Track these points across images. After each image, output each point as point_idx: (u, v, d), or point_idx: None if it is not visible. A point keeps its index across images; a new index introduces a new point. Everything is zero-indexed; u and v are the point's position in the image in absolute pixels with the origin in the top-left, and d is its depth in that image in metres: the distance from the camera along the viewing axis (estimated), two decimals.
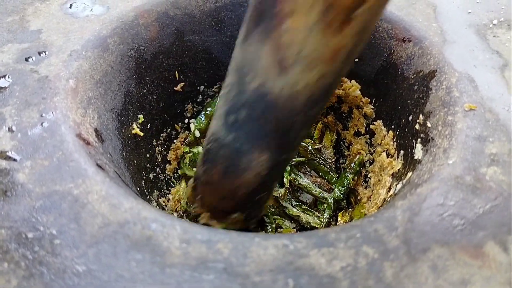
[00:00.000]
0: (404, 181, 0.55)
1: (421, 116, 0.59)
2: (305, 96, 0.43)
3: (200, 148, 0.71)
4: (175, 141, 0.76)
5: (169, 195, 0.71)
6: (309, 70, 0.41)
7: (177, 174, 0.75)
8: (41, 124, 0.50)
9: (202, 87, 0.77)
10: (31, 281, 0.38)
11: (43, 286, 0.38)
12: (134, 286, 0.38)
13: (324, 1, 0.36)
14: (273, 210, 0.74)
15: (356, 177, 0.73)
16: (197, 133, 0.74)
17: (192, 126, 0.75)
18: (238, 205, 0.58)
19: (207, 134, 0.55)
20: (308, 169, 0.80)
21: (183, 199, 0.69)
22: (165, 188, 0.72)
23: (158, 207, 0.66)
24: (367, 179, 0.72)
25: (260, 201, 0.60)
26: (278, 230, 0.72)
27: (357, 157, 0.74)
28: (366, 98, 0.72)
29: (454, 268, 0.40)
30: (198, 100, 0.78)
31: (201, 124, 0.75)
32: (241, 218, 0.60)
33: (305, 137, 0.79)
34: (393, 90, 0.66)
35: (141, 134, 0.66)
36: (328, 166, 0.79)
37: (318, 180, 0.78)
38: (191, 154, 0.73)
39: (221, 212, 0.59)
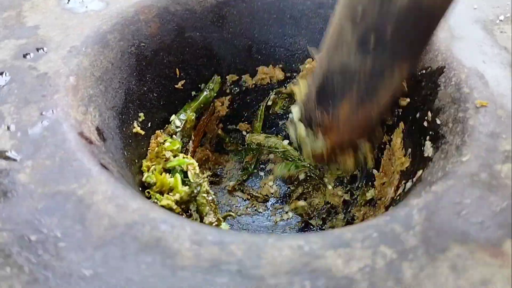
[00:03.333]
0: (415, 179, 0.54)
1: (429, 113, 0.57)
2: None
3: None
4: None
5: None
6: None
7: None
8: (42, 123, 0.49)
9: (203, 85, 0.75)
10: (35, 286, 0.36)
11: None
12: None
13: None
14: None
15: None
16: (178, 123, 0.71)
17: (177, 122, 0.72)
18: (369, 133, 0.59)
19: (322, 78, 0.54)
20: None
21: None
22: None
23: None
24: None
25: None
26: None
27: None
28: None
29: (474, 268, 0.38)
30: None
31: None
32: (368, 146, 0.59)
33: None
34: None
35: (142, 132, 0.64)
36: None
37: None
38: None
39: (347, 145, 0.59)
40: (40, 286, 0.36)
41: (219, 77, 0.76)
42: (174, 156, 0.64)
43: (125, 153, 0.59)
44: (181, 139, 0.69)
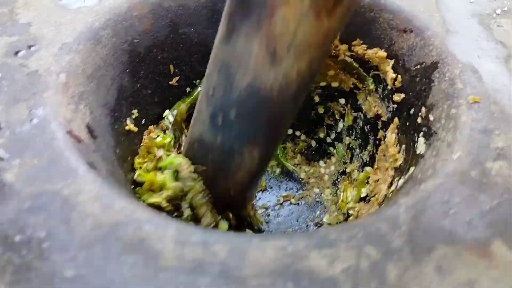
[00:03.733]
0: (407, 176, 0.54)
1: (423, 109, 0.57)
2: (296, 84, 0.43)
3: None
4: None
5: None
6: (301, 57, 0.40)
7: None
8: (30, 121, 0.49)
9: (197, 81, 0.75)
10: (18, 287, 0.36)
11: None
12: None
13: None
14: None
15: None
16: (171, 118, 0.71)
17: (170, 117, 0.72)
18: (229, 206, 0.58)
19: (188, 141, 0.54)
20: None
21: None
22: None
23: None
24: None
25: (248, 198, 0.59)
26: None
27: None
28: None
29: (460, 269, 0.38)
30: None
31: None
32: (232, 216, 0.59)
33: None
34: None
35: (135, 130, 0.64)
36: None
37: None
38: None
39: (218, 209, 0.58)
40: (22, 287, 0.36)
41: None
42: (168, 151, 0.64)
43: (117, 151, 0.59)
44: (173, 133, 0.69)
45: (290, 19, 0.37)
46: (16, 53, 0.57)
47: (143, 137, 0.66)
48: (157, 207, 0.53)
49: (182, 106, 0.71)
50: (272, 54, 0.40)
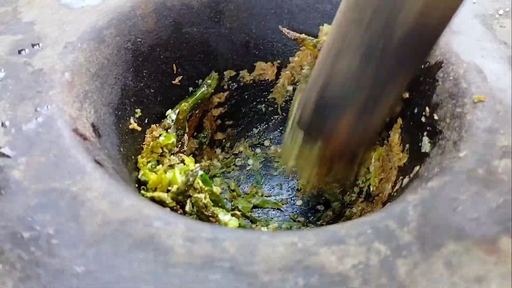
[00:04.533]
0: (411, 175, 0.54)
1: (427, 108, 0.57)
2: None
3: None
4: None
5: None
6: None
7: None
8: (36, 119, 0.49)
9: (200, 81, 0.75)
10: (27, 283, 0.36)
11: None
12: (137, 286, 0.36)
13: None
14: None
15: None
16: (173, 117, 0.71)
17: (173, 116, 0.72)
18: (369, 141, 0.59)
19: (324, 78, 0.53)
20: None
21: None
22: None
23: None
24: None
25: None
26: None
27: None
28: None
29: (469, 265, 0.38)
30: None
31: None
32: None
33: None
34: None
35: (139, 129, 0.64)
36: None
37: None
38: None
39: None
40: (32, 283, 0.36)
41: (216, 73, 0.75)
42: (170, 152, 0.64)
43: (121, 150, 0.59)
44: (176, 132, 0.69)
45: None
46: (20, 51, 0.56)
47: (146, 135, 0.66)
48: (159, 202, 0.53)
49: (184, 105, 0.70)
50: None
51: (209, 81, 0.74)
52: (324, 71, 0.54)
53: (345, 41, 0.49)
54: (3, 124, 0.48)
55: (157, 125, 0.68)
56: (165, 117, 0.70)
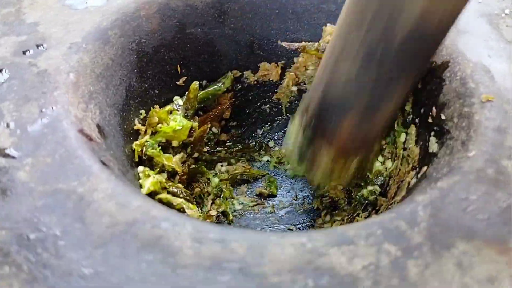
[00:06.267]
0: (419, 175, 0.53)
1: (434, 108, 0.57)
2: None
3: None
4: None
5: None
6: None
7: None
8: (41, 120, 0.48)
9: (204, 82, 0.75)
10: (34, 285, 0.36)
11: None
12: None
13: None
14: None
15: None
16: (180, 102, 0.70)
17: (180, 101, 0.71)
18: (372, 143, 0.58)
19: (326, 82, 0.53)
20: None
21: None
22: None
23: None
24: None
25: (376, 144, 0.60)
26: None
27: None
28: None
29: (481, 265, 0.38)
30: None
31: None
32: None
33: None
34: None
35: (143, 129, 0.64)
36: None
37: None
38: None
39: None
40: (39, 285, 0.36)
41: (231, 73, 0.75)
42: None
43: (126, 151, 0.58)
44: (185, 113, 0.68)
45: None
46: (25, 52, 0.56)
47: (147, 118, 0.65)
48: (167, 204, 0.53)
49: (195, 82, 0.70)
50: None
51: (223, 80, 0.74)
52: (326, 74, 0.54)
53: (346, 45, 0.49)
54: (8, 125, 0.48)
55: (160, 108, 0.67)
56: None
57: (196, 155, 0.73)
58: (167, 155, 0.63)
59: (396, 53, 0.46)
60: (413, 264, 0.37)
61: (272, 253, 0.37)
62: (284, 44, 0.71)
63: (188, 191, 0.62)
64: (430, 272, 0.37)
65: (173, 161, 0.63)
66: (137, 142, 0.60)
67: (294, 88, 0.78)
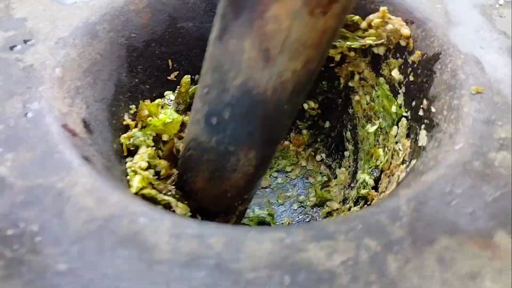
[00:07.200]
0: (408, 169, 0.53)
1: (424, 101, 0.56)
2: (291, 84, 0.41)
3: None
4: None
5: None
6: (296, 57, 0.39)
7: None
8: (25, 115, 0.48)
9: (196, 76, 0.74)
10: (9, 281, 0.35)
11: (22, 286, 0.35)
12: (119, 285, 0.35)
13: None
14: None
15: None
16: (172, 97, 0.69)
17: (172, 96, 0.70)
18: (226, 206, 0.57)
19: (185, 140, 0.53)
20: None
21: None
22: None
23: None
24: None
25: (246, 200, 0.59)
26: None
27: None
28: None
29: (463, 260, 0.37)
30: None
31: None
32: (227, 219, 0.59)
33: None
34: None
35: (133, 124, 0.63)
36: None
37: None
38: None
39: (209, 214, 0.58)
40: (14, 281, 0.36)
41: None
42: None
43: (115, 146, 0.58)
44: (177, 107, 0.67)
45: (282, 17, 0.36)
46: (12, 47, 0.56)
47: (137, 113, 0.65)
48: (152, 200, 0.52)
49: (187, 76, 0.69)
50: (265, 53, 0.39)
51: None
52: (186, 133, 0.55)
53: (195, 108, 0.49)
54: None
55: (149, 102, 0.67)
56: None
57: None
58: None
59: (228, 125, 0.46)
60: (392, 260, 0.36)
61: (249, 248, 0.37)
62: None
63: (180, 192, 0.61)
64: (410, 267, 0.36)
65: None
66: (124, 135, 0.60)
67: None
